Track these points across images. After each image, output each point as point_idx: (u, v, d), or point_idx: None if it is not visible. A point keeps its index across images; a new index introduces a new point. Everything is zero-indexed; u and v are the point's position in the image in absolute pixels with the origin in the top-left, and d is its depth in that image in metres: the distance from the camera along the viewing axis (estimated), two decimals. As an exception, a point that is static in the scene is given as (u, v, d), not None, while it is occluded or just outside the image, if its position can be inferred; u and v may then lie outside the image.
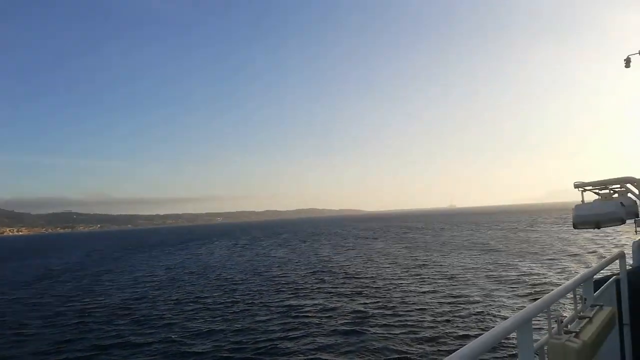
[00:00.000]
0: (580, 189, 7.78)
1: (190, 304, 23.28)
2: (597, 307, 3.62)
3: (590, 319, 3.31)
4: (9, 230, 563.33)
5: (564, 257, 32.90)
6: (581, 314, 3.42)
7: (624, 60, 8.84)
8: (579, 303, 3.43)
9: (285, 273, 33.45)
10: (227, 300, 23.57)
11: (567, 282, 3.35)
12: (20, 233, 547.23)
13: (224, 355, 14.37)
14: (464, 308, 18.44)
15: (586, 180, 7.83)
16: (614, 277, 4.90)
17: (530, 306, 2.59)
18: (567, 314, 3.53)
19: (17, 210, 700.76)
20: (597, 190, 7.87)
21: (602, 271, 4.36)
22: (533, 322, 2.43)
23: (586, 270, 3.94)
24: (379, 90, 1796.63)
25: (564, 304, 14.39)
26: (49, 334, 18.60)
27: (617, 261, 4.95)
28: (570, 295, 3.27)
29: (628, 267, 5.36)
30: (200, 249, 69.42)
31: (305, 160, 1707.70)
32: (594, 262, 18.39)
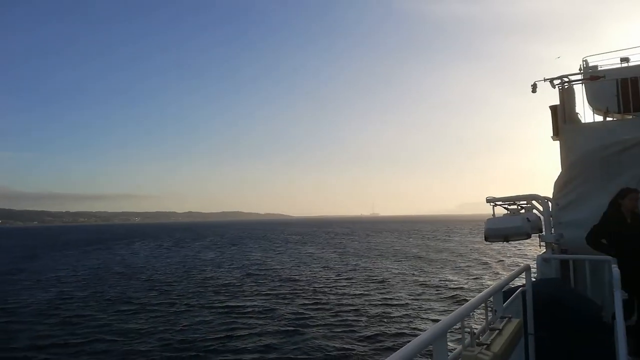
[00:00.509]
0: (492, 203, 8.57)
1: (125, 305, 22.84)
2: (506, 318, 3.82)
3: (500, 331, 3.48)
4: None
5: (478, 266, 35.49)
6: (492, 325, 3.59)
7: (531, 85, 9.67)
8: (489, 314, 3.62)
9: (219, 275, 33.54)
10: (164, 301, 23.42)
11: (480, 294, 3.50)
12: None
13: (167, 355, 14.63)
14: (392, 311, 19.65)
15: (497, 196, 8.66)
16: (521, 288, 5.24)
17: (446, 319, 2.67)
18: (479, 324, 3.76)
19: None
20: (506, 206, 8.66)
21: (511, 283, 4.74)
22: (448, 334, 2.52)
23: (496, 282, 4.19)
24: (307, 97, 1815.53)
25: (476, 315, 15.23)
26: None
27: (524, 273, 5.33)
28: (482, 306, 3.43)
29: (533, 279, 5.73)
30: (122, 250, 66.40)
31: (231, 163, 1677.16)
32: (504, 273, 20.73)
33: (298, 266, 38.36)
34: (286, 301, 22.58)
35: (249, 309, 20.87)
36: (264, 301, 22.79)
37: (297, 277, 31.10)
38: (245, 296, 24.47)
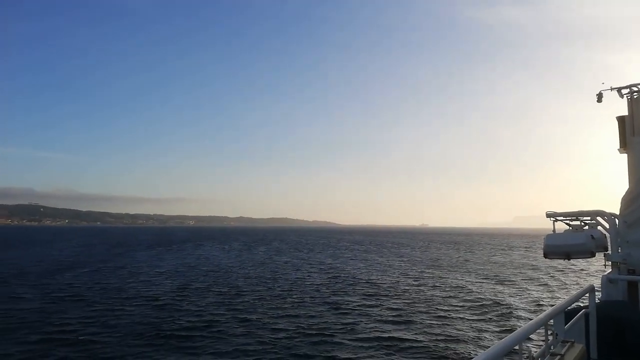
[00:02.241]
0: (552, 218, 8.10)
1: (229, 296, 26.71)
2: (568, 343, 3.62)
3: (562, 357, 3.31)
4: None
5: (536, 285, 33.72)
6: (552, 349, 3.43)
7: (597, 95, 9.17)
8: (550, 337, 3.45)
9: (306, 277, 37.08)
10: (271, 295, 27.14)
11: (539, 316, 3.31)
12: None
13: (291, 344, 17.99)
14: (446, 329, 18.84)
15: (557, 210, 8.17)
16: (584, 310, 4.91)
17: (502, 341, 2.51)
18: (538, 348, 3.57)
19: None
20: (568, 221, 8.20)
21: (573, 304, 4.57)
22: (505, 358, 2.38)
23: (557, 303, 4.02)
24: (356, 105, 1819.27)
25: (535, 338, 14.17)
26: (149, 317, 21.83)
27: (587, 295, 5.03)
28: (542, 328, 3.26)
29: (597, 301, 5.43)
30: (197, 250, 71.88)
31: (279, 171, 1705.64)
32: (565, 294, 19.96)
33: (374, 272, 41.36)
34: (376, 301, 25.61)
35: (354, 307, 24.10)
36: (360, 300, 25.95)
37: (378, 282, 34.14)
38: (343, 296, 27.74)
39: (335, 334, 17.99)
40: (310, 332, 18.38)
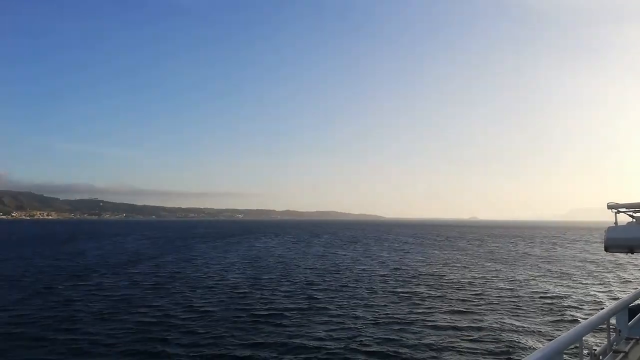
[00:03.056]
0: (614, 210, 7.55)
1: (304, 285, 28.40)
2: (633, 341, 3.46)
3: (626, 354, 3.14)
4: (39, 214, 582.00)
5: (596, 280, 33.01)
6: (615, 347, 3.24)
7: None
8: (612, 334, 3.26)
9: (373, 269, 38.37)
10: (349, 286, 28.64)
11: (601, 312, 3.15)
12: (50, 217, 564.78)
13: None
14: (504, 323, 18.88)
15: (620, 202, 7.64)
16: None
17: (561, 337, 2.43)
18: (599, 345, 3.41)
19: (46, 194, 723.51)
20: (631, 213, 7.62)
21: (637, 300, 4.38)
22: (564, 355, 2.32)
23: (620, 299, 3.79)
24: (407, 103, 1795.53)
25: (596, 335, 13.76)
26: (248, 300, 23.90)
27: None
28: (603, 325, 3.08)
29: None
30: (256, 242, 74.75)
31: (323, 164, 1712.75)
32: (628, 289, 19.38)
33: (435, 265, 42.06)
34: (443, 293, 26.52)
35: (423, 297, 25.15)
36: (428, 291, 26.92)
37: (441, 274, 34.92)
38: (424, 288, 28.83)
39: (412, 322, 19.15)
40: (386, 320, 19.63)
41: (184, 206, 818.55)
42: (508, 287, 28.97)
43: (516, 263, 45.21)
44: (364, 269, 38.23)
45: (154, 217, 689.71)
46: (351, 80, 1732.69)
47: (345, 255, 53.19)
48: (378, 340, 16.39)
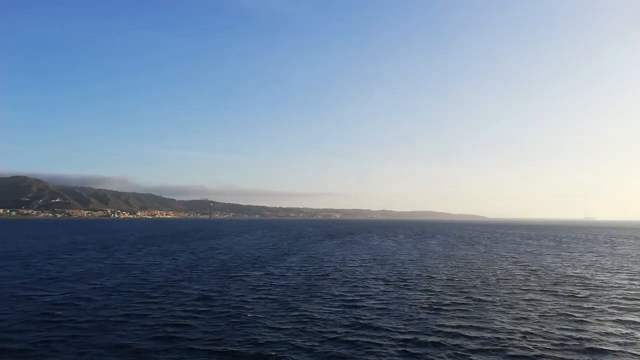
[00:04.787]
0: None
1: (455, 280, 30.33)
2: None
3: None
4: (159, 213, 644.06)
5: None
6: None
7: None
8: None
9: (512, 270, 39.20)
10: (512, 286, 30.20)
11: None
12: (168, 216, 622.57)
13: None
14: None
15: None
16: None
17: None
18: None
19: (164, 196, 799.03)
20: None
21: None
22: None
23: None
24: (508, 101, 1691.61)
25: None
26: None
27: None
28: None
29: None
30: (368, 241, 77.58)
31: (420, 163, 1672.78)
32: None
33: (577, 266, 41.54)
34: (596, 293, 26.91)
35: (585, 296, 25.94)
36: (579, 291, 27.53)
37: (589, 277, 34.77)
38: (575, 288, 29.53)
39: (583, 320, 20.45)
40: (557, 316, 21.13)
41: (285, 206, 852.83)
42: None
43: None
44: (501, 269, 39.14)
45: (257, 216, 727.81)
46: (452, 81, 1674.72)
47: (468, 254, 53.73)
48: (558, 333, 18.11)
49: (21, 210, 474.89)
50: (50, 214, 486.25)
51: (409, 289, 27.95)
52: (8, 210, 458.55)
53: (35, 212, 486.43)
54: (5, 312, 21.17)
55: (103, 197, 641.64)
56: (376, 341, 16.76)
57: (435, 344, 16.46)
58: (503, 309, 22.27)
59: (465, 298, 25.22)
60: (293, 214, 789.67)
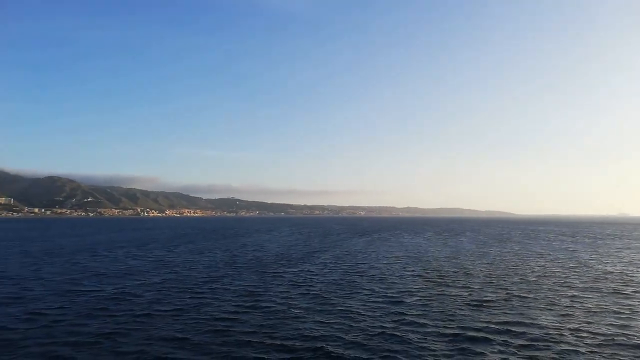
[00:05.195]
0: None
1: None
2: None
3: None
4: (187, 211, 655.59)
5: None
6: None
7: None
8: None
9: (552, 268, 38.81)
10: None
11: None
12: (196, 214, 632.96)
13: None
14: None
15: None
16: None
17: None
18: None
19: (191, 194, 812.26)
20: None
21: None
22: None
23: None
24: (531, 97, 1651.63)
25: None
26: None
27: None
28: None
29: None
30: (400, 239, 77.44)
31: (446, 160, 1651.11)
32: None
33: (610, 263, 40.78)
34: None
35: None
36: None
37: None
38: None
39: None
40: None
41: (309, 204, 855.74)
42: None
43: None
44: (547, 265, 38.78)
45: (282, 213, 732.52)
46: (478, 75, 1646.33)
47: (504, 251, 53.28)
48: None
49: (55, 210, 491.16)
50: (83, 213, 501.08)
51: (448, 286, 28.11)
52: (43, 210, 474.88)
53: (68, 211, 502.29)
54: (66, 306, 22.38)
55: (133, 196, 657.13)
56: (425, 336, 17.10)
57: (484, 340, 16.68)
58: (546, 306, 22.27)
59: (506, 294, 25.25)
60: (317, 212, 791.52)
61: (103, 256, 47.84)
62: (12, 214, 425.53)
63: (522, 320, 19.30)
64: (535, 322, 19.10)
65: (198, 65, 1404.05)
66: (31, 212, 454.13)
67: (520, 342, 16.42)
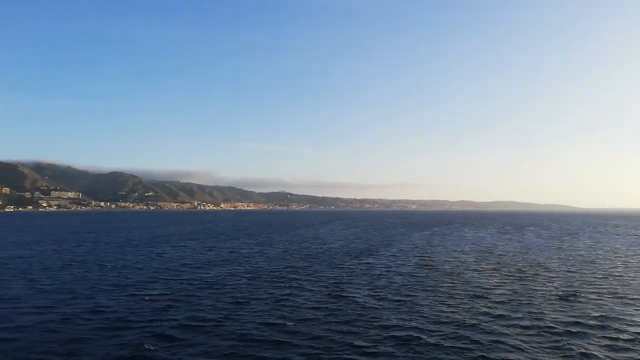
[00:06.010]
0: None
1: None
2: None
3: None
4: (241, 205, 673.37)
5: None
6: None
7: None
8: None
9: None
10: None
11: None
12: (249, 208, 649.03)
13: None
14: None
15: None
16: None
17: None
18: None
19: (244, 188, 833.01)
20: None
21: None
22: None
23: None
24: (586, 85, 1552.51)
25: None
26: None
27: None
28: None
29: None
30: (465, 233, 76.17)
31: (501, 151, 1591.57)
32: None
33: None
34: None
35: None
36: None
37: None
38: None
39: None
40: None
41: (359, 197, 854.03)
42: None
43: None
44: (624, 261, 37.41)
45: (333, 207, 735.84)
46: (537, 69, 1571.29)
47: (579, 246, 51.49)
48: None
49: (119, 203, 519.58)
50: (144, 206, 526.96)
51: (530, 280, 27.88)
52: (108, 204, 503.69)
53: (131, 204, 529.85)
54: (192, 294, 24.32)
55: (190, 190, 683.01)
56: (522, 330, 17.34)
57: (583, 334, 16.69)
58: (642, 303, 21.74)
59: (595, 289, 24.81)
60: (368, 205, 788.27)
61: (182, 247, 50.82)
62: (81, 208, 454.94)
63: (618, 317, 19.03)
64: (634, 319, 18.80)
65: (261, 63, 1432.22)
66: (98, 206, 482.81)
67: (624, 337, 16.31)
